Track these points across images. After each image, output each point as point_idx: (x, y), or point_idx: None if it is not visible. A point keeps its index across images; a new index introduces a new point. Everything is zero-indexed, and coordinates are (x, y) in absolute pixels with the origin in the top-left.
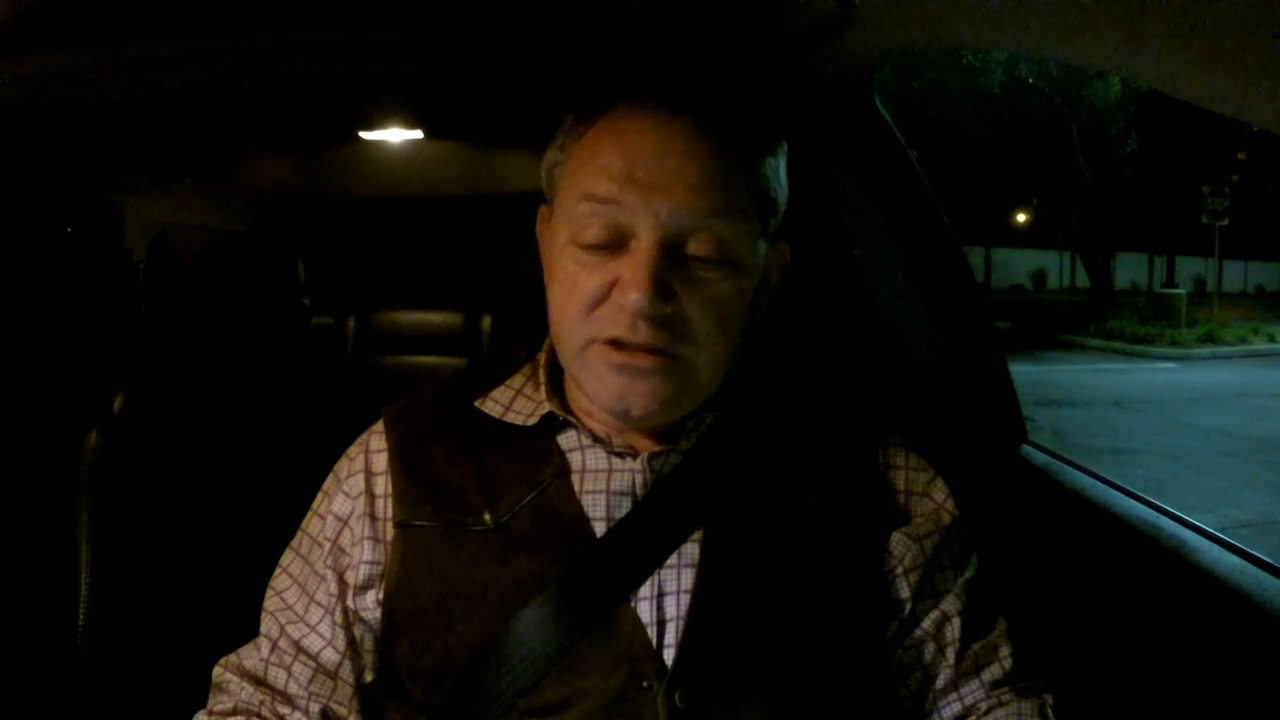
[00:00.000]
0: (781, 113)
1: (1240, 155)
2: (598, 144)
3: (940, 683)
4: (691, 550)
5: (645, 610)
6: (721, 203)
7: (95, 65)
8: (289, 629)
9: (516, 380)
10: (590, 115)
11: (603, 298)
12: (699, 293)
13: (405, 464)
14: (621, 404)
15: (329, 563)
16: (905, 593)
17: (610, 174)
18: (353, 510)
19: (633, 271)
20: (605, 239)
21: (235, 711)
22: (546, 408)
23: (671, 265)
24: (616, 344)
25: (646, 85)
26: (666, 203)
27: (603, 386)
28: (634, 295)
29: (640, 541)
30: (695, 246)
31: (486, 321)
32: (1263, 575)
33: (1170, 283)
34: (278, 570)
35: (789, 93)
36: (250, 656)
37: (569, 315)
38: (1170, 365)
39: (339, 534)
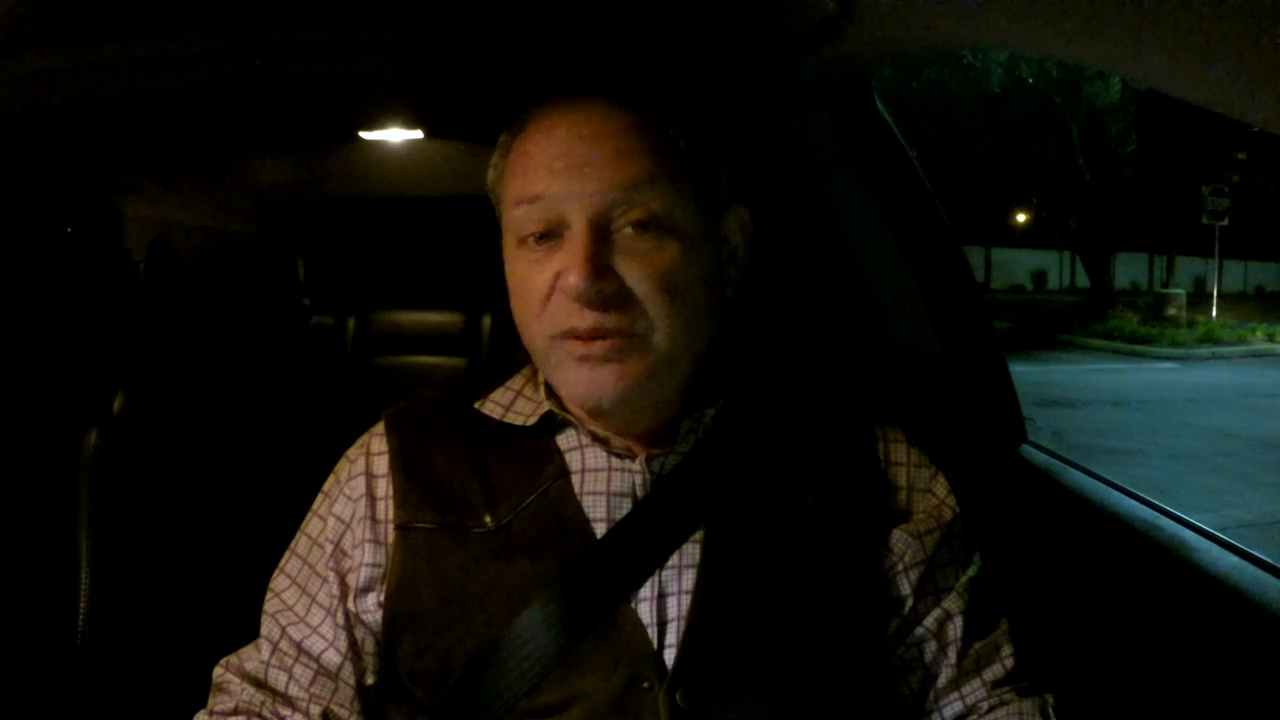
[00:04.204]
0: (695, 80)
1: (1240, 155)
2: (521, 149)
3: (942, 681)
4: (692, 551)
5: (646, 611)
6: (643, 171)
7: (95, 65)
8: (290, 630)
9: (516, 381)
10: (516, 130)
11: (551, 291)
12: (639, 264)
13: (406, 466)
14: (593, 394)
15: (330, 564)
16: (906, 590)
17: (532, 172)
18: (354, 513)
19: (569, 258)
20: (542, 229)
21: (236, 711)
22: (546, 407)
23: (606, 244)
24: (573, 335)
25: (559, 88)
26: (585, 183)
27: (571, 380)
28: (572, 280)
29: (640, 543)
30: (626, 218)
31: (486, 321)
32: (1263, 575)
33: (1170, 283)
34: (277, 572)
35: (784, 90)
36: (251, 658)
37: (526, 316)
38: (1170, 365)
39: (341, 536)
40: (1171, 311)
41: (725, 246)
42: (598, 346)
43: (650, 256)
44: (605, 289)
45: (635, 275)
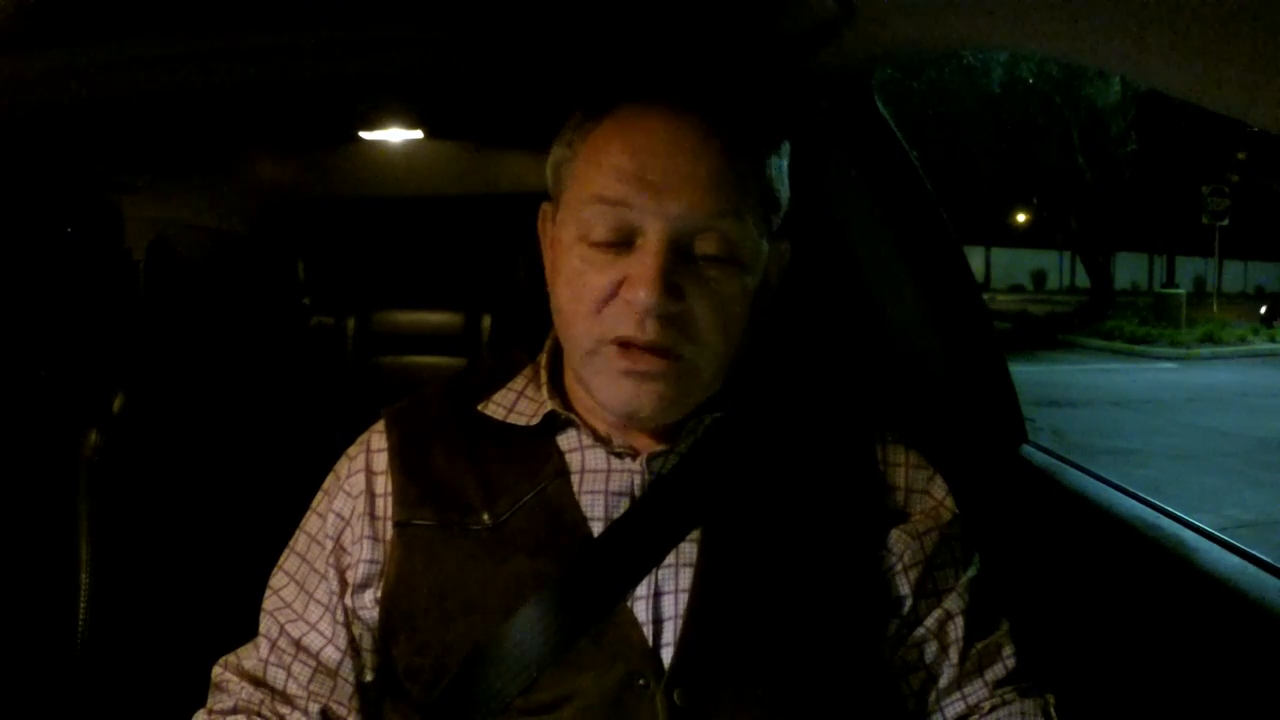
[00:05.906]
0: (784, 111)
1: (1240, 155)
2: (607, 143)
3: (943, 682)
4: (690, 550)
5: (642, 609)
6: (730, 203)
7: (95, 64)
8: (289, 628)
9: (518, 383)
10: (598, 113)
11: (611, 295)
12: (706, 292)
13: (405, 464)
14: (631, 407)
15: (330, 561)
16: (905, 590)
17: (620, 174)
18: (354, 509)
19: (641, 270)
20: (614, 237)
21: (235, 710)
22: (549, 407)
23: (679, 264)
24: (624, 345)
25: (654, 84)
26: (677, 204)
27: (613, 391)
28: (643, 293)
29: (637, 541)
30: (703, 246)
31: (486, 321)
32: (1263, 575)
33: (1170, 283)
34: (276, 570)
35: (789, 92)
36: (249, 657)
37: (577, 314)
38: (1170, 365)
39: (340, 532)
40: (1171, 311)
41: (765, 276)
42: (648, 362)
43: (717, 286)
44: (672, 308)
45: (700, 302)
